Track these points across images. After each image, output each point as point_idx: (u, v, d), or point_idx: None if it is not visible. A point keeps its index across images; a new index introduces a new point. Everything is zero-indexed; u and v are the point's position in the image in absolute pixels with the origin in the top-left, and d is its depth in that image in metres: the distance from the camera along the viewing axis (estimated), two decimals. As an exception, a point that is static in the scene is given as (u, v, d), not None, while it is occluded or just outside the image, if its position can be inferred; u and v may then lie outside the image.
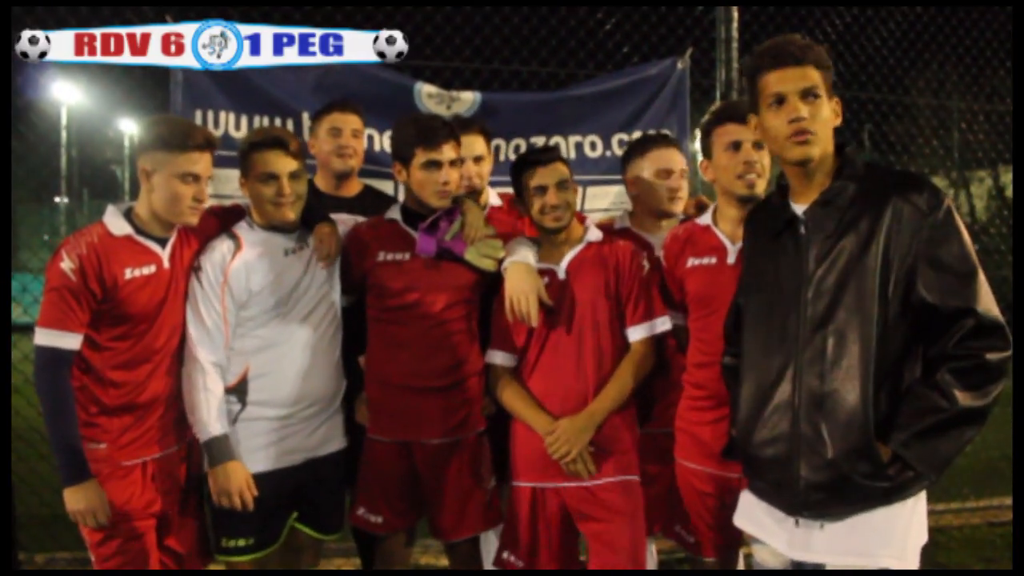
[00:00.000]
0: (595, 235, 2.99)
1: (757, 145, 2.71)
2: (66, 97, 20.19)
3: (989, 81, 6.73)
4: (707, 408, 2.80)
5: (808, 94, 2.11)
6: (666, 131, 3.91)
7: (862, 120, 6.12)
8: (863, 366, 2.04)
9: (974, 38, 5.70)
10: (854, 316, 2.06)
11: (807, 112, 2.11)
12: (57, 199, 20.64)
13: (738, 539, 2.91)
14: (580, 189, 3.95)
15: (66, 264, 2.54)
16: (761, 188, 2.75)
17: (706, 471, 2.80)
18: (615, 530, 2.81)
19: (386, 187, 3.94)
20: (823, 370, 2.08)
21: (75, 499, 2.56)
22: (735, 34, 4.48)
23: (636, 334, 2.89)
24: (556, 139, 4.19)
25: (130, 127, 21.70)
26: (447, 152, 2.91)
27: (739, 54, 4.49)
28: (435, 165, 2.90)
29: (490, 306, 3.02)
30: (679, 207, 3.18)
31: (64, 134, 19.82)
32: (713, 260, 2.81)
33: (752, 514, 2.33)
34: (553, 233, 2.94)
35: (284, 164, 2.79)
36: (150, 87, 4.15)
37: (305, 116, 3.85)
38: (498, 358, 2.97)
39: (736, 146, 2.74)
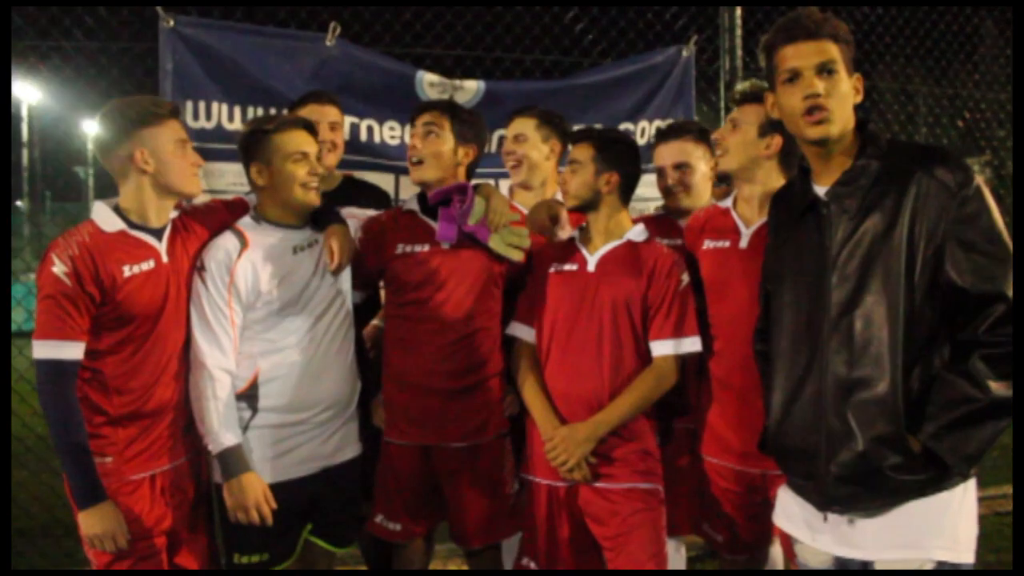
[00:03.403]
0: (638, 233, 2.82)
1: (732, 122, 2.73)
2: (27, 96, 19.67)
3: (957, 73, 6.77)
4: (726, 401, 2.71)
5: (824, 69, 2.00)
6: (681, 120, 3.84)
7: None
8: (892, 352, 1.93)
9: (941, 30, 5.71)
10: (880, 300, 1.95)
11: (823, 88, 2.00)
12: (19, 203, 20.08)
13: (767, 536, 2.83)
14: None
15: (58, 268, 2.34)
16: (724, 165, 2.76)
17: (728, 466, 2.72)
18: (631, 543, 2.67)
19: (385, 181, 3.82)
20: (850, 358, 1.98)
21: (91, 523, 2.37)
22: (739, 21, 4.41)
23: (660, 349, 2.71)
24: (562, 128, 4.07)
25: (93, 128, 21.17)
26: (422, 119, 2.86)
27: (743, 41, 4.41)
28: (413, 133, 2.90)
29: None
30: (682, 202, 3.08)
31: (26, 134, 19.31)
32: (726, 243, 2.74)
33: (789, 511, 2.21)
34: (591, 221, 2.82)
35: (312, 144, 2.70)
36: (137, 77, 3.94)
37: (302, 107, 3.68)
38: (521, 331, 2.84)
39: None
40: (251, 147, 2.66)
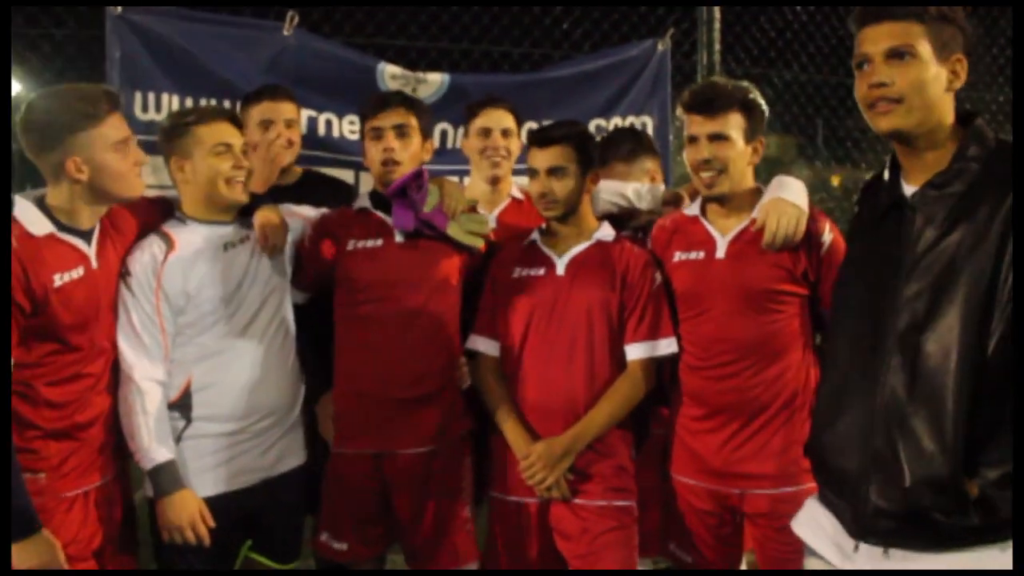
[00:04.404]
0: (606, 233, 2.69)
1: (716, 137, 2.46)
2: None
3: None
4: (702, 418, 2.54)
5: (895, 54, 1.77)
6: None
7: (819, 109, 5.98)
8: (958, 386, 1.67)
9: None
10: (955, 326, 1.69)
11: (888, 76, 1.76)
12: None
13: (738, 557, 2.69)
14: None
15: None
16: (723, 186, 2.49)
17: (703, 487, 2.55)
18: (601, 562, 2.53)
19: (345, 177, 3.65)
20: (911, 382, 1.73)
21: (27, 556, 2.11)
22: (717, 14, 4.26)
23: (635, 352, 2.58)
24: (530, 124, 3.89)
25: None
26: (389, 118, 2.69)
27: (721, 35, 4.27)
28: (376, 132, 2.70)
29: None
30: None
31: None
32: (701, 255, 2.55)
33: (816, 522, 1.97)
34: (558, 222, 2.66)
35: (237, 136, 2.54)
36: (85, 68, 3.79)
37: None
38: (483, 344, 2.69)
39: (692, 139, 2.51)
40: (171, 139, 2.51)
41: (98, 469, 2.36)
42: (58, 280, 2.23)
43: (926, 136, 1.81)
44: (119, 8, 3.41)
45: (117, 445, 2.43)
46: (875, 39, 1.80)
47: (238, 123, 2.60)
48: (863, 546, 1.81)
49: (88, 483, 2.34)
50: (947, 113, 1.82)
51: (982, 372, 1.67)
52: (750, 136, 2.51)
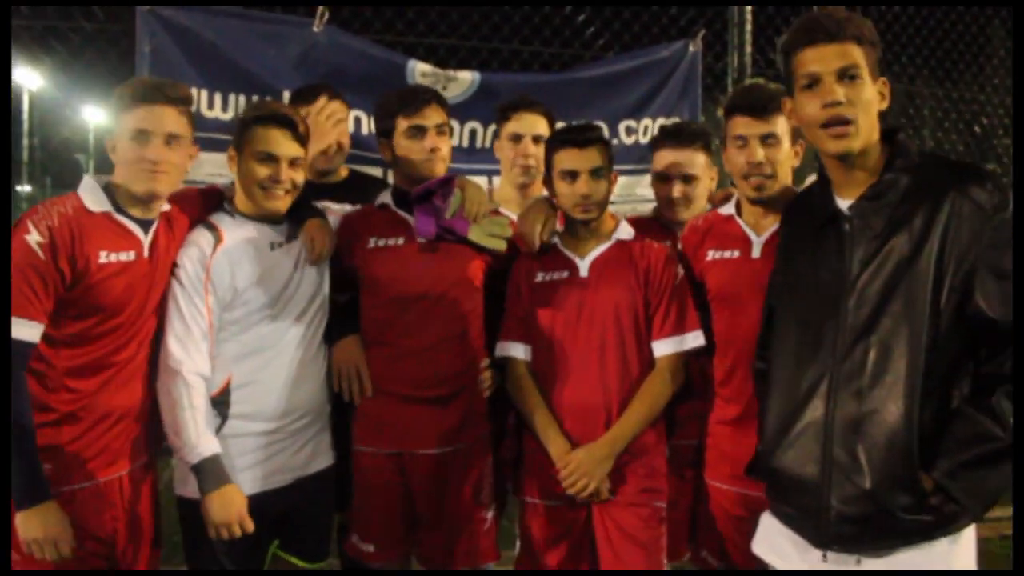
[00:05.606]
0: (626, 232, 2.67)
1: (768, 138, 2.44)
2: (28, 83, 19.50)
3: (962, 76, 6.60)
4: (738, 420, 2.51)
5: (845, 74, 1.84)
6: (688, 122, 3.62)
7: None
8: (909, 384, 1.78)
9: (945, 28, 5.55)
10: (901, 326, 1.79)
11: (843, 95, 1.83)
12: (19, 187, 19.89)
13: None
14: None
15: (33, 237, 2.12)
16: (772, 189, 2.47)
17: (739, 492, 2.51)
18: (628, 564, 2.52)
19: (374, 174, 3.62)
20: (862, 387, 1.82)
21: (31, 525, 2.12)
22: (749, 16, 4.21)
23: (663, 348, 2.57)
24: (559, 124, 3.87)
25: (95, 115, 21.00)
26: (431, 117, 2.65)
27: (753, 37, 4.21)
28: (419, 131, 2.63)
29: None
30: (682, 214, 2.85)
31: (27, 121, 19.16)
32: (736, 253, 2.54)
33: (773, 540, 2.06)
34: (581, 224, 2.63)
35: (287, 147, 2.47)
36: (114, 62, 3.75)
37: (286, 95, 3.48)
38: (514, 350, 2.66)
39: (741, 141, 2.47)
40: (237, 128, 2.51)
41: (113, 463, 2.32)
42: (103, 257, 2.23)
43: (864, 154, 1.89)
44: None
45: (142, 439, 2.40)
46: (823, 59, 1.85)
47: (299, 134, 2.50)
48: (830, 554, 1.88)
49: (101, 476, 2.29)
50: (878, 131, 1.91)
51: (928, 369, 1.77)
52: (794, 138, 2.50)
